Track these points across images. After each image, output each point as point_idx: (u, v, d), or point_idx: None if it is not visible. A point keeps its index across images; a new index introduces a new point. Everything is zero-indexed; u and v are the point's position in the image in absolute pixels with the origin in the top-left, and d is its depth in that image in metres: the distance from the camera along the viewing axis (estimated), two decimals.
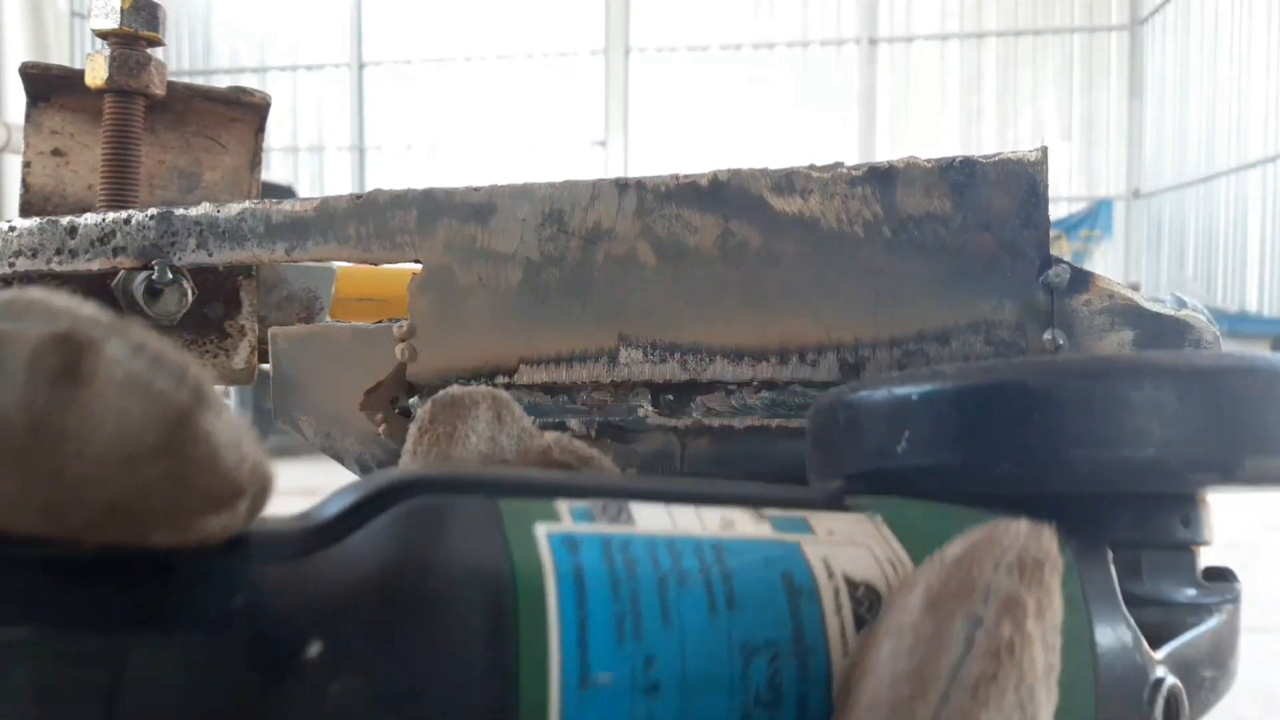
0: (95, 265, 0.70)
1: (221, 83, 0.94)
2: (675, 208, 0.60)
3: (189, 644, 0.21)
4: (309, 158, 12.95)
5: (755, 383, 0.59)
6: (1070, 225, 11.91)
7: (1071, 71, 11.95)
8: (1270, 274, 10.03)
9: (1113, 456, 0.30)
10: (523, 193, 0.62)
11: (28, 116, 0.88)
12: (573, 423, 0.62)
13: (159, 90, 0.84)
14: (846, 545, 0.28)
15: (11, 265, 0.72)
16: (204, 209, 0.68)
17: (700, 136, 11.62)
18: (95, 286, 0.74)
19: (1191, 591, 0.35)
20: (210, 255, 0.68)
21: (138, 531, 0.21)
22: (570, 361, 0.61)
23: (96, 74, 0.82)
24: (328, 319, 0.86)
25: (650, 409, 0.61)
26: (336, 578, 0.23)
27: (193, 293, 0.71)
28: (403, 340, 0.64)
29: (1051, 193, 0.55)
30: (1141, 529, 0.33)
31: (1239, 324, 9.06)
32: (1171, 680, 0.30)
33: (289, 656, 0.22)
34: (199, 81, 0.93)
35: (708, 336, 0.59)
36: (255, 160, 0.93)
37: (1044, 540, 0.25)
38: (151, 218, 0.69)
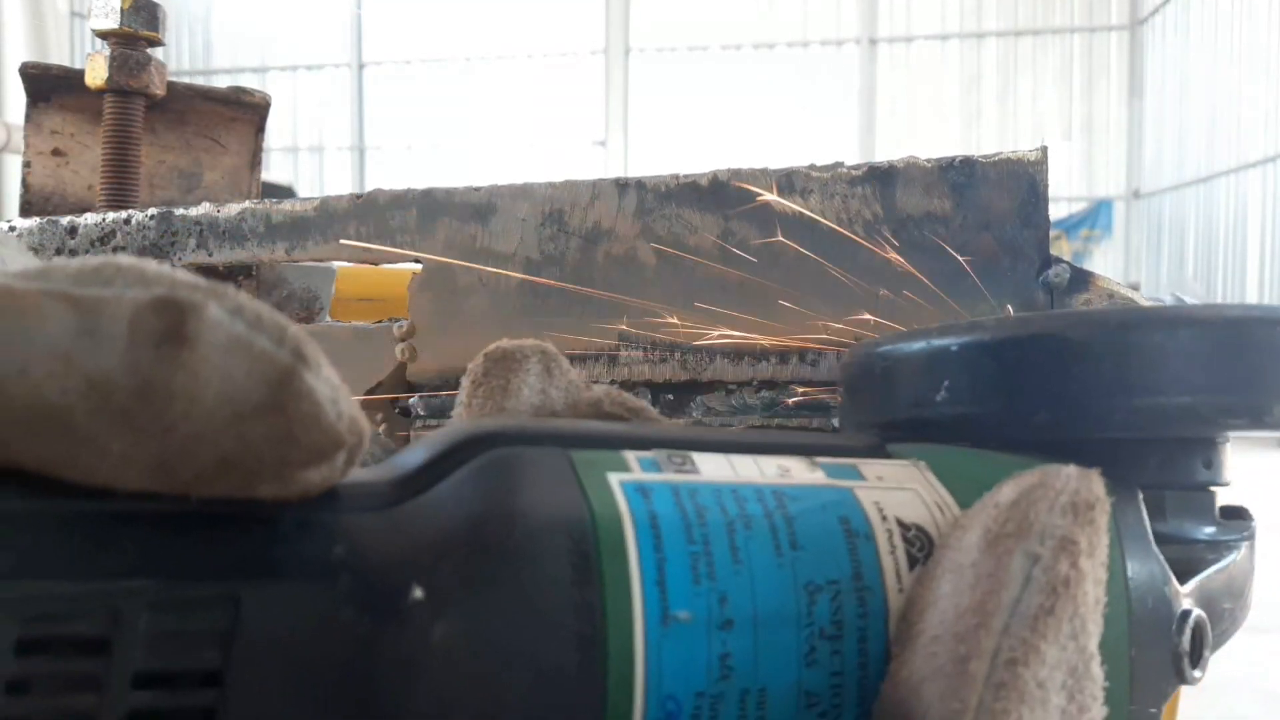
0: None
1: (221, 83, 0.94)
2: (675, 207, 0.60)
3: (298, 590, 0.22)
4: (309, 158, 12.95)
5: (755, 382, 0.59)
6: (1070, 225, 11.91)
7: (1071, 71, 11.95)
8: (1270, 274, 10.02)
9: (1148, 404, 0.31)
10: (523, 193, 0.62)
11: (28, 116, 0.88)
12: None
13: (159, 90, 0.84)
14: (896, 490, 0.29)
15: None
16: (204, 209, 0.68)
17: (700, 136, 11.62)
18: None
19: (1211, 529, 0.36)
20: (210, 255, 0.68)
21: (244, 485, 0.22)
22: (570, 361, 0.61)
23: (96, 74, 0.82)
24: (328, 319, 0.86)
25: (650, 409, 0.61)
26: (429, 526, 0.24)
27: None
28: (403, 340, 0.64)
29: (1051, 193, 0.55)
30: (1167, 471, 0.35)
31: None
32: (1198, 612, 0.32)
33: (393, 601, 0.23)
34: (199, 81, 0.93)
35: (708, 337, 0.59)
36: (255, 160, 0.93)
37: (1094, 484, 0.26)
38: (151, 218, 0.69)
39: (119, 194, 0.82)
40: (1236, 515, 0.38)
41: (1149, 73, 11.80)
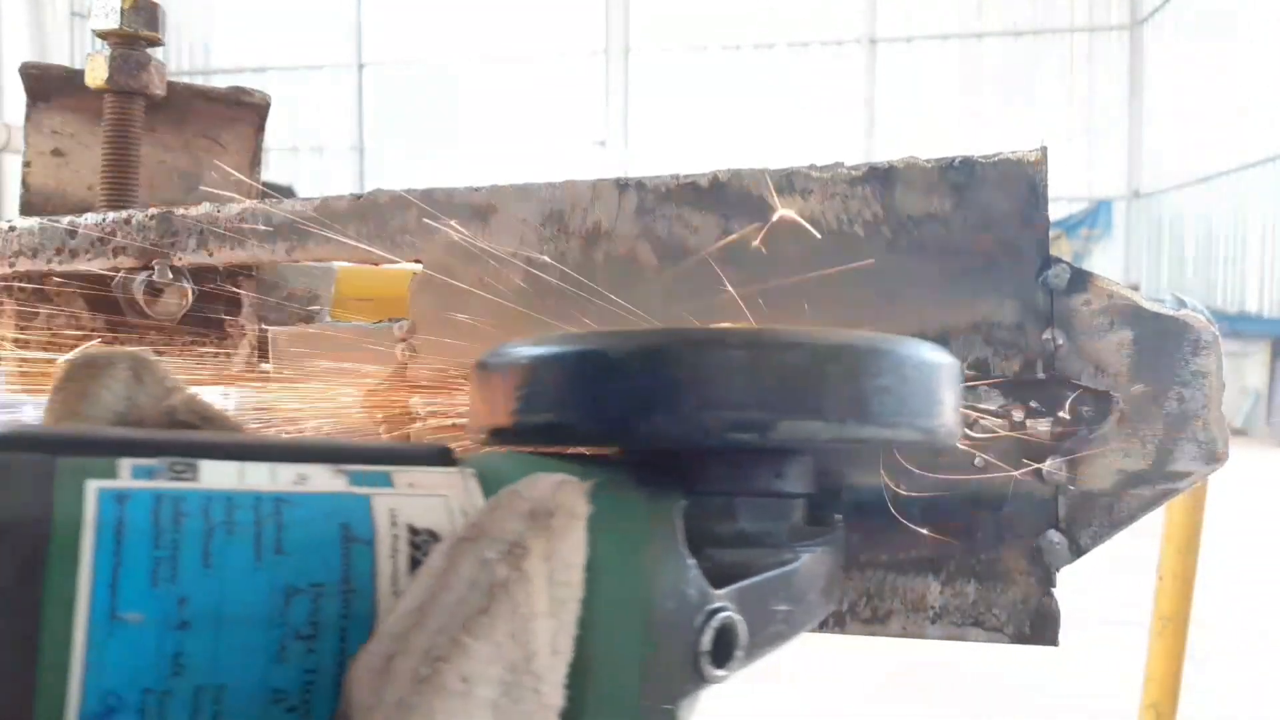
0: (95, 265, 0.70)
1: (221, 83, 0.94)
2: (675, 208, 0.60)
3: None
4: (309, 158, 12.94)
5: None
6: (1070, 225, 11.92)
7: (1071, 71, 11.95)
8: (1270, 274, 10.02)
9: (666, 420, 0.34)
10: (523, 193, 0.62)
11: (28, 116, 0.88)
12: None
13: (159, 90, 0.84)
14: (423, 497, 0.31)
15: (12, 265, 0.72)
16: (204, 209, 0.68)
17: (700, 137, 11.62)
18: (95, 286, 0.74)
19: (779, 534, 0.39)
20: (210, 255, 0.68)
21: None
22: None
23: (96, 74, 0.82)
24: (328, 319, 0.86)
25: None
26: None
27: (193, 293, 0.71)
28: (403, 340, 0.64)
29: (1051, 193, 0.55)
30: (734, 479, 0.38)
31: (1239, 324, 9.06)
32: (726, 615, 0.34)
33: None
34: (199, 81, 0.93)
35: None
36: (255, 160, 0.93)
37: (562, 493, 0.28)
38: (151, 218, 0.69)
39: (119, 194, 0.82)
40: (821, 522, 0.41)
41: (1149, 73, 11.80)
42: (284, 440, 0.34)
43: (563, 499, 0.28)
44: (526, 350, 0.36)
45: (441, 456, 0.34)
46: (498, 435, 0.37)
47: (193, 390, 0.38)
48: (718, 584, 0.34)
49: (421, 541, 0.30)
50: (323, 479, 0.31)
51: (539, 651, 0.26)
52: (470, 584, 0.26)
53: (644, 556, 0.32)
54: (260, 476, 0.30)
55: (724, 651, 0.34)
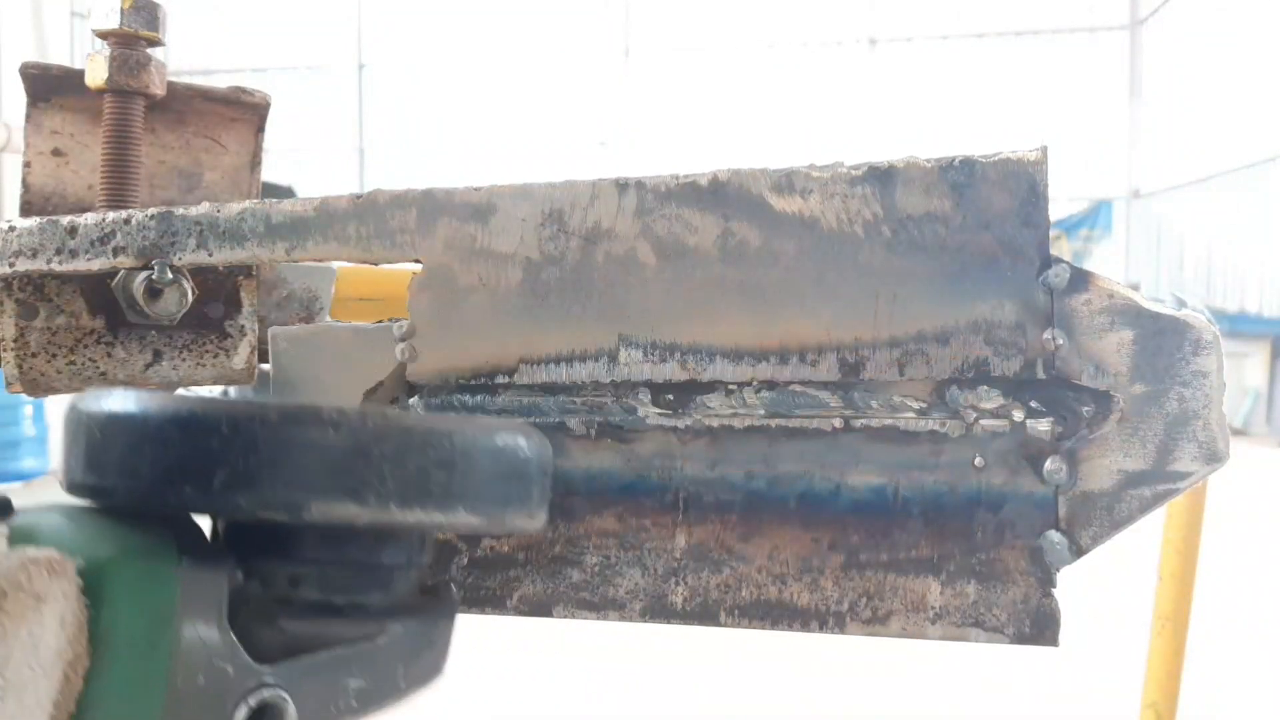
0: (95, 265, 0.70)
1: (221, 83, 0.94)
2: (675, 207, 0.60)
3: None
4: (310, 158, 12.94)
5: (755, 382, 0.59)
6: (1070, 225, 11.92)
7: (1071, 72, 11.94)
8: (1270, 274, 10.01)
9: (195, 494, 0.33)
10: (523, 193, 0.62)
11: (28, 116, 0.88)
12: (572, 422, 0.62)
13: (159, 90, 0.84)
14: None
15: (11, 265, 0.72)
16: (204, 209, 0.68)
17: (700, 136, 11.62)
18: (95, 286, 0.74)
19: (367, 604, 0.38)
20: (210, 255, 0.68)
21: None
22: (570, 361, 0.61)
23: (96, 74, 0.82)
24: (328, 319, 0.85)
25: (650, 409, 0.61)
26: None
27: (193, 293, 0.71)
28: (403, 340, 0.64)
29: (1051, 193, 0.55)
30: (316, 548, 0.37)
31: (1239, 324, 9.06)
32: (270, 690, 0.33)
33: None
34: (199, 81, 0.93)
35: (708, 336, 0.59)
36: (255, 160, 0.93)
37: (23, 573, 0.28)
38: (151, 218, 0.69)
39: (119, 194, 0.82)
40: (435, 594, 0.41)
41: (1149, 73, 11.80)
42: None
43: (22, 579, 0.27)
44: (90, 404, 0.36)
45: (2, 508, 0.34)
46: (69, 488, 0.37)
47: None
48: (284, 655, 0.34)
49: None
50: None
51: None
52: None
53: (168, 629, 0.32)
54: None
55: None
